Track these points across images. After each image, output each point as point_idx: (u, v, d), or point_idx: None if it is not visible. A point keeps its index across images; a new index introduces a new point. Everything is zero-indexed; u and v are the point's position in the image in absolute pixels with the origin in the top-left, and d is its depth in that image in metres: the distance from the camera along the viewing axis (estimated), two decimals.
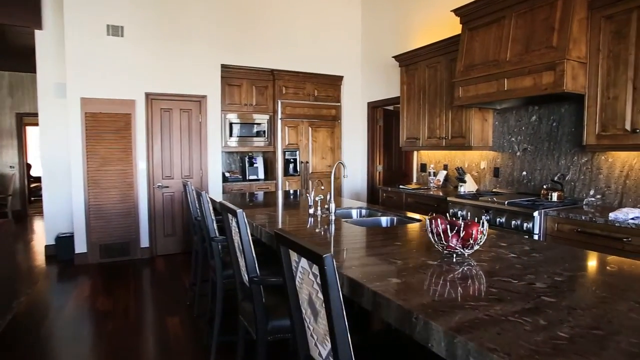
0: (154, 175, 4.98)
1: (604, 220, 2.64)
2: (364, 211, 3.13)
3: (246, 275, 1.85)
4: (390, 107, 6.16)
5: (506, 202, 3.23)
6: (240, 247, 1.83)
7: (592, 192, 3.27)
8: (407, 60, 4.69)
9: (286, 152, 5.74)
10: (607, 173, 3.17)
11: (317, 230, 2.26)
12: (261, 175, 5.80)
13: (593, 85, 2.94)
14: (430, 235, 1.67)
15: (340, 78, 6.07)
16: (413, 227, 2.33)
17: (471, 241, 1.58)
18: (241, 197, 3.97)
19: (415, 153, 5.20)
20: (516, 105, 3.77)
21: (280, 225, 2.42)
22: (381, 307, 1.20)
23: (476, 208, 3.46)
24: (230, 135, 5.46)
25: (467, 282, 1.32)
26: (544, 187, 3.41)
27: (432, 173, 4.72)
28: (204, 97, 5.16)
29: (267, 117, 5.67)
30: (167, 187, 5.05)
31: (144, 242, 4.95)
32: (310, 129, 5.90)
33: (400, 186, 4.63)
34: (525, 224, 3.04)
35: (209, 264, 2.91)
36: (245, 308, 1.93)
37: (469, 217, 3.09)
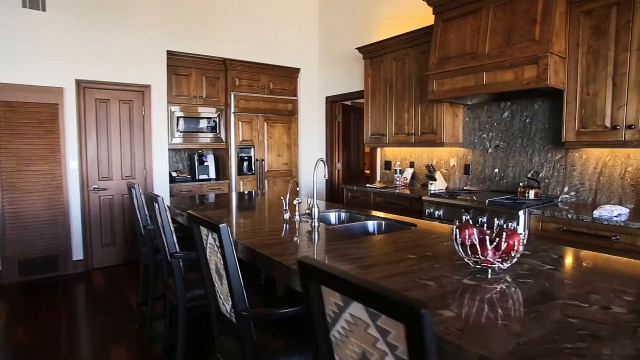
0: (89, 177, 4.29)
1: (591, 219, 2.58)
2: (342, 214, 2.83)
3: (228, 306, 1.47)
4: (349, 103, 5.93)
5: (487, 201, 3.11)
6: (222, 272, 1.44)
7: (566, 189, 3.25)
8: (372, 53, 4.47)
9: (240, 149, 5.28)
10: (581, 170, 3.16)
11: (301, 242, 1.91)
12: (212, 175, 5.29)
13: (572, 81, 2.89)
14: (458, 247, 1.40)
15: (296, 70, 5.71)
16: (411, 233, 2.06)
17: (513, 254, 1.33)
18: (192, 199, 3.49)
19: (379, 150, 5.00)
20: (487, 101, 3.68)
21: (255, 238, 2.04)
22: (447, 355, 0.89)
23: (454, 207, 3.31)
24: (178, 130, 4.89)
25: (536, 311, 1.06)
26: (521, 184, 3.34)
27: (398, 171, 4.54)
28: (147, 87, 4.55)
29: (219, 111, 5.17)
30: (105, 189, 4.38)
31: (77, 254, 4.25)
32: (265, 124, 5.49)
33: (368, 185, 4.40)
34: (509, 224, 2.91)
35: (166, 282, 2.44)
36: (226, 346, 1.54)
37: (445, 217, 2.90)
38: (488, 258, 1.33)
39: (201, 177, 5.17)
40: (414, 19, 4.28)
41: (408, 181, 4.45)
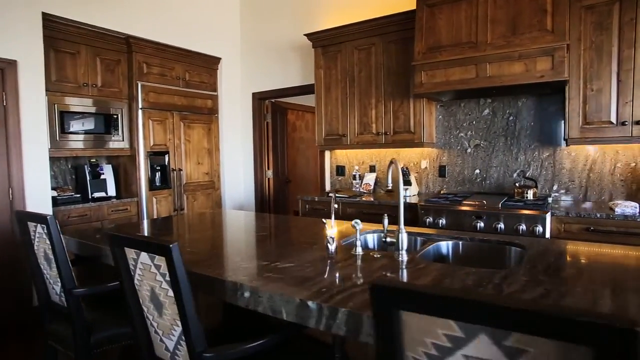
0: None
1: (623, 216, 2.48)
2: (377, 236, 2.15)
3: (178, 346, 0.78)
4: (280, 99, 5.18)
5: (500, 205, 2.82)
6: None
7: (555, 187, 3.19)
8: (327, 41, 3.86)
9: (152, 157, 4.04)
10: (571, 167, 3.13)
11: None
12: (112, 192, 3.92)
13: (574, 76, 2.79)
14: None
15: (217, 60, 4.72)
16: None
17: None
18: (97, 234, 2.35)
19: (327, 154, 4.40)
20: (464, 98, 3.46)
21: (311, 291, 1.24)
22: None
23: (460, 214, 2.93)
24: (63, 130, 3.44)
25: None
26: (517, 184, 3.16)
27: (357, 176, 4.02)
28: (11, 63, 3.05)
29: (120, 105, 3.85)
30: None
31: None
32: (182, 124, 4.35)
33: (337, 194, 3.76)
34: (535, 228, 2.66)
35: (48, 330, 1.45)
36: None
37: (449, 225, 2.52)
38: None
39: (96, 195, 3.77)
40: (371, 6, 3.83)
41: (372, 187, 3.97)
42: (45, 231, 1.70)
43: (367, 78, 3.68)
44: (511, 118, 3.33)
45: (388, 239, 1.68)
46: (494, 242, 1.83)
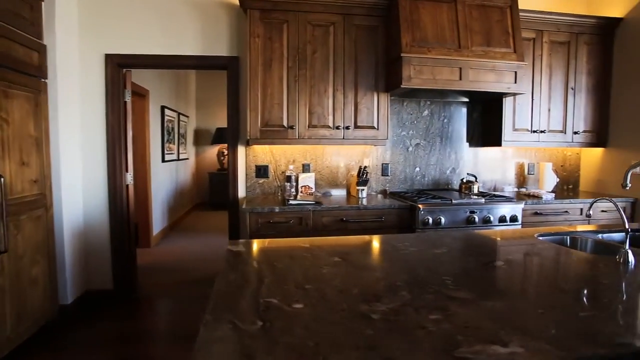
0: None
1: (558, 201, 3.26)
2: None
3: None
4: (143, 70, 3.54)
5: (484, 200, 3.07)
6: None
7: (492, 184, 3.76)
8: (269, 4, 3.00)
9: None
10: (483, 163, 3.78)
11: None
12: None
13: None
14: None
15: None
16: None
17: None
18: None
19: (242, 150, 3.41)
20: (408, 97, 3.54)
21: None
22: None
23: (454, 211, 2.99)
24: None
25: None
26: (463, 180, 3.51)
27: (292, 178, 3.33)
28: None
29: None
30: None
31: None
32: None
33: (301, 201, 2.96)
34: (514, 216, 3.07)
35: None
36: None
37: (447, 224, 2.86)
38: None
39: None
40: None
41: (313, 190, 3.40)
42: None
43: (323, 61, 3.12)
44: (445, 120, 3.67)
45: None
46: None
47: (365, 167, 3.34)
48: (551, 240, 1.88)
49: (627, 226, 1.44)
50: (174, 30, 3.24)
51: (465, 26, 3.07)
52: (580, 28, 3.51)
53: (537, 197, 3.35)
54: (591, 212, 1.73)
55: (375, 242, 1.75)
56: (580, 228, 2.04)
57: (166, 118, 5.71)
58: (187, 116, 7.27)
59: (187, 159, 7.30)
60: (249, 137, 3.06)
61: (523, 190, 3.82)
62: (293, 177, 3.32)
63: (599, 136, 3.65)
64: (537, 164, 3.85)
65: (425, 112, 3.64)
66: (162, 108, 5.56)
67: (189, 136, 7.65)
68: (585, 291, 1.15)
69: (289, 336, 0.84)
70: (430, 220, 2.93)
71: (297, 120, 3.11)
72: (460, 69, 3.02)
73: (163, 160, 5.60)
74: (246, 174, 3.42)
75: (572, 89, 3.55)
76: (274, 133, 3.10)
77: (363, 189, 3.29)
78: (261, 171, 3.43)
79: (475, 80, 3.05)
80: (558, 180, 3.81)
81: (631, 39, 3.46)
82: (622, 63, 3.54)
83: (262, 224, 2.83)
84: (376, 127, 3.24)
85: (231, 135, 3.38)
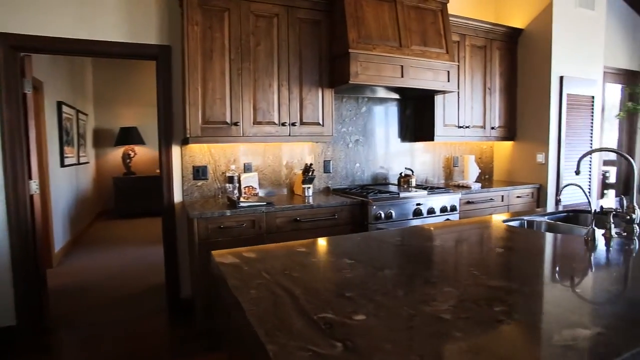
0: None
1: (486, 190, 3.57)
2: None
3: None
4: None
5: (426, 192, 3.22)
6: None
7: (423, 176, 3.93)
8: None
9: None
10: (414, 158, 3.98)
11: None
12: None
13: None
14: None
15: None
16: None
17: None
18: None
19: (177, 150, 3.07)
20: (351, 94, 3.56)
21: None
22: None
23: (403, 204, 3.08)
24: None
25: None
26: (402, 174, 3.64)
27: (235, 179, 3.11)
28: None
29: None
30: None
31: None
32: None
33: (252, 203, 2.75)
34: (453, 206, 3.27)
35: None
36: None
37: (398, 217, 3.11)
38: None
39: None
40: None
41: (257, 191, 3.22)
42: None
43: (267, 54, 2.97)
44: (381, 117, 3.77)
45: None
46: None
47: (311, 164, 3.26)
48: (515, 225, 2.03)
49: (592, 208, 1.61)
50: (91, 10, 2.77)
51: (405, 26, 3.18)
52: (493, 35, 3.90)
53: (467, 187, 3.63)
54: (561, 197, 1.89)
55: (368, 239, 1.69)
56: (528, 215, 2.25)
57: (64, 116, 4.91)
58: (85, 114, 6.37)
59: (87, 162, 6.40)
60: (189, 135, 2.77)
61: (451, 182, 4.12)
62: (235, 178, 3.11)
63: (509, 131, 4.11)
64: (461, 157, 4.19)
65: (364, 109, 3.70)
66: (59, 104, 4.77)
67: (88, 137, 6.72)
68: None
69: (381, 353, 0.73)
70: (382, 215, 2.98)
71: (241, 116, 2.91)
72: (402, 66, 3.13)
73: (62, 165, 4.82)
74: (182, 176, 3.09)
75: (489, 88, 3.93)
76: (216, 130, 2.85)
77: (309, 187, 3.22)
78: (199, 172, 3.13)
79: (415, 78, 3.19)
80: (480, 171, 4.19)
81: (529, 47, 3.96)
82: (523, 67, 4.03)
83: (212, 229, 2.58)
84: (321, 123, 3.18)
85: (164, 134, 3.03)
